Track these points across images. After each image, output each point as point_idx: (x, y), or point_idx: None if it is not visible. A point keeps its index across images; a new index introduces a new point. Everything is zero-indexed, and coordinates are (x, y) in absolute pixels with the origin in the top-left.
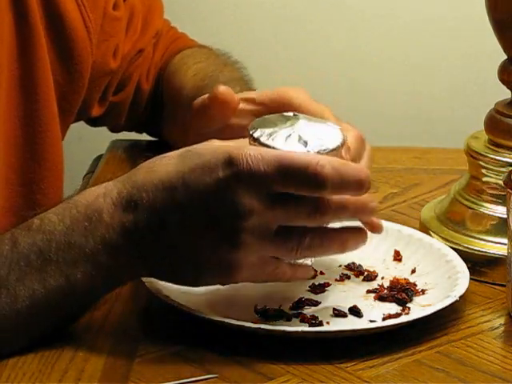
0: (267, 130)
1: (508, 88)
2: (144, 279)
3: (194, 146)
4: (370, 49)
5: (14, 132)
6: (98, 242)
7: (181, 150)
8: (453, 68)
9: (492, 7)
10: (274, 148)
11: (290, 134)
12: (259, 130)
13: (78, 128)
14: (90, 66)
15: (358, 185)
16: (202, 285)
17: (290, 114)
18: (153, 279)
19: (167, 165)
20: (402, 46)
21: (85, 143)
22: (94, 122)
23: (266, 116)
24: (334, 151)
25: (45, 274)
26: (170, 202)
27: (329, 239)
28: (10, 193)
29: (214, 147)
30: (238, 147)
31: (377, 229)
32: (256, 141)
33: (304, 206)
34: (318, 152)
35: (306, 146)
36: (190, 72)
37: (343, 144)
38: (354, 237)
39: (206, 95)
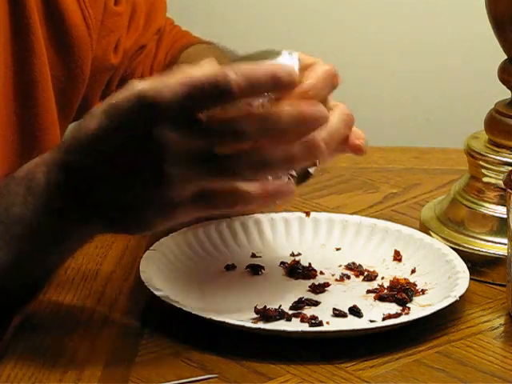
0: None
1: (508, 88)
2: (144, 279)
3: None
4: (370, 49)
5: (12, 129)
6: (38, 207)
7: (104, 106)
8: (453, 68)
9: (492, 7)
10: None
11: None
12: None
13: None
14: (90, 62)
15: (273, 80)
16: (150, 229)
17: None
18: (153, 280)
19: (90, 124)
20: (401, 46)
21: None
22: None
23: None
24: None
25: None
26: (96, 156)
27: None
28: None
29: (127, 93)
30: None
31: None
32: None
33: (227, 126)
34: None
35: None
36: None
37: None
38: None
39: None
